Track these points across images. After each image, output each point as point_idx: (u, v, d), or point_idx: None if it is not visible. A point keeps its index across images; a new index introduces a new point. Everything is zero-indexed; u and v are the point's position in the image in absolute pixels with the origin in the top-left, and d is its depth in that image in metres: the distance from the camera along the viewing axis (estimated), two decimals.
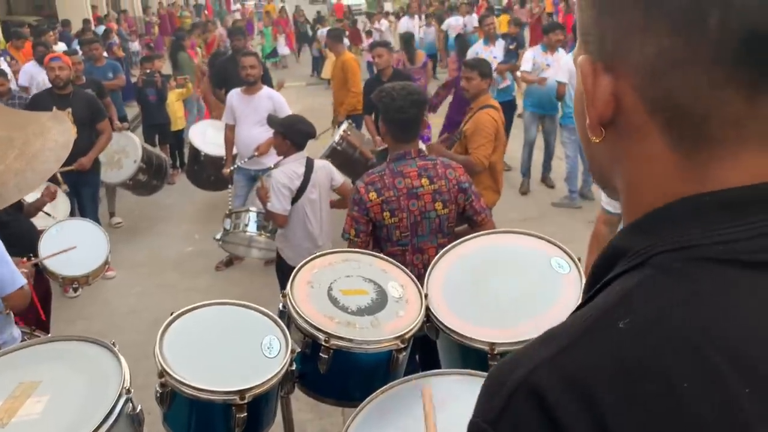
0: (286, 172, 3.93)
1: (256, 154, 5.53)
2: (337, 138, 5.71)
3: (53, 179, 4.91)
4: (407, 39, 9.01)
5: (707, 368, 0.51)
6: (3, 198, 2.00)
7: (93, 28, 14.19)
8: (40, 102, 5.50)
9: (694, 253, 0.56)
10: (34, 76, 7.90)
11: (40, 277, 3.96)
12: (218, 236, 4.91)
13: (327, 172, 4.14)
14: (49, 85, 5.72)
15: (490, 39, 7.84)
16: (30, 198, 4.56)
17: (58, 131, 2.26)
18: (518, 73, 7.33)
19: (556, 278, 2.12)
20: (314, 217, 4.04)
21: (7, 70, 8.25)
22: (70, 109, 5.43)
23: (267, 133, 5.43)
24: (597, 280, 0.63)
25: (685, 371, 0.52)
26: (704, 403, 0.51)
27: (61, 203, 5.27)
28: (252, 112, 5.55)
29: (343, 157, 5.63)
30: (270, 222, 4.51)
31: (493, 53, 7.57)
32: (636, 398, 0.52)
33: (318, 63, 15.84)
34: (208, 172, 6.74)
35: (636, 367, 0.53)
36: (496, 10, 17.87)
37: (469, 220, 3.01)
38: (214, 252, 6.03)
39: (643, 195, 0.62)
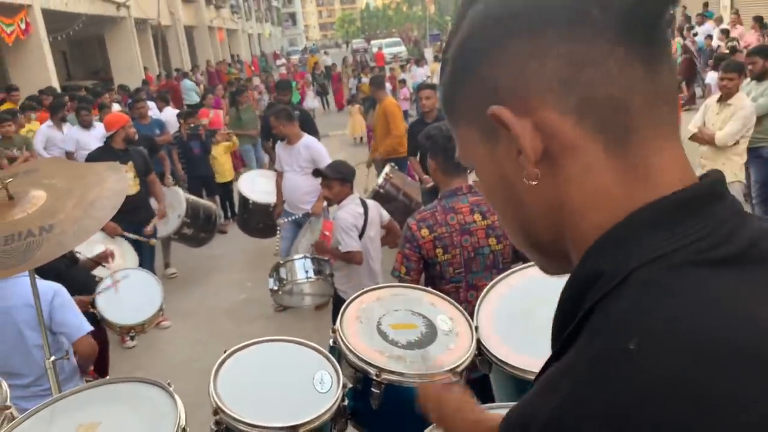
0: (350, 212, 4.06)
1: (311, 212, 5.78)
2: (380, 181, 5.80)
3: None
4: None
5: (731, 372, 0.49)
6: (63, 245, 2.08)
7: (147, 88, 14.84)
8: (100, 158, 5.65)
9: (668, 261, 0.55)
10: (79, 140, 7.85)
11: (98, 328, 4.08)
12: (275, 287, 4.84)
13: (377, 209, 4.30)
14: (92, 148, 6.26)
15: None
16: (87, 253, 4.74)
17: (114, 180, 2.36)
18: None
19: None
20: (375, 254, 4.18)
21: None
22: (131, 163, 5.76)
23: (307, 180, 5.73)
24: (571, 314, 0.60)
25: (712, 380, 0.49)
26: (739, 405, 0.48)
27: (130, 257, 5.49)
28: (293, 161, 5.88)
29: (386, 199, 5.69)
30: (326, 266, 4.57)
31: None
32: (671, 416, 0.49)
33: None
34: (257, 220, 6.89)
35: (664, 385, 0.50)
36: None
37: (520, 256, 2.97)
38: (265, 299, 6.08)
39: (595, 215, 0.60)
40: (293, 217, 5.94)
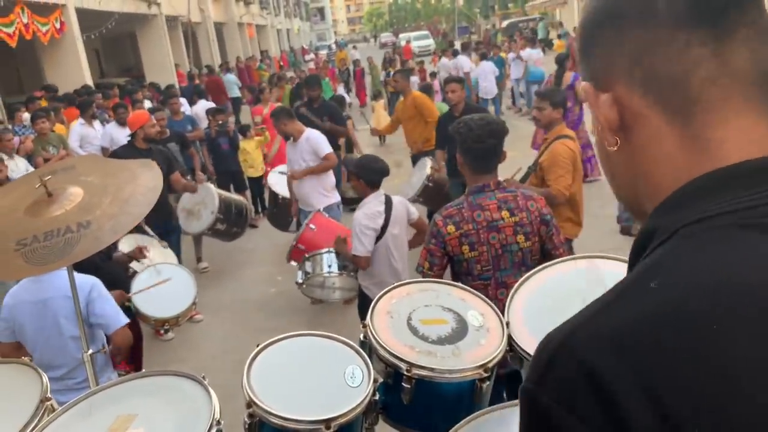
0: (367, 213, 3.96)
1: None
2: (424, 176, 5.83)
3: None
4: (561, 60, 9.87)
5: (731, 311, 0.56)
6: (100, 240, 2.12)
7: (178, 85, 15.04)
8: (123, 156, 5.67)
9: (714, 222, 0.63)
10: (114, 136, 7.99)
11: (132, 320, 4.16)
12: (300, 279, 4.93)
13: (405, 206, 4.19)
14: (124, 143, 6.26)
15: None
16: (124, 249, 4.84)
17: (148, 177, 2.40)
18: None
19: None
20: (397, 252, 4.07)
21: (100, 128, 8.78)
22: (154, 162, 5.79)
23: (311, 177, 5.92)
24: (633, 263, 0.71)
25: (711, 317, 0.56)
26: (732, 338, 0.55)
27: (171, 256, 5.57)
28: (298, 157, 5.99)
29: (432, 193, 5.75)
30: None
31: None
32: (668, 347, 0.56)
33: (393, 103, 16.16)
34: (287, 215, 6.95)
35: (667, 319, 0.58)
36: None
37: (546, 253, 2.95)
38: (295, 292, 6.14)
39: (661, 180, 0.70)
40: (306, 213, 6.01)
